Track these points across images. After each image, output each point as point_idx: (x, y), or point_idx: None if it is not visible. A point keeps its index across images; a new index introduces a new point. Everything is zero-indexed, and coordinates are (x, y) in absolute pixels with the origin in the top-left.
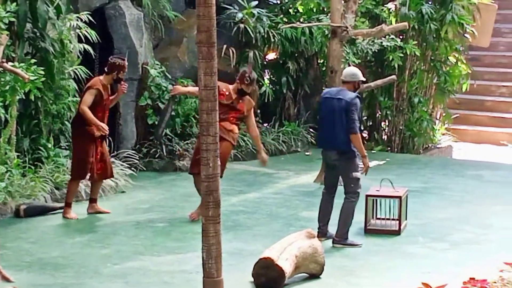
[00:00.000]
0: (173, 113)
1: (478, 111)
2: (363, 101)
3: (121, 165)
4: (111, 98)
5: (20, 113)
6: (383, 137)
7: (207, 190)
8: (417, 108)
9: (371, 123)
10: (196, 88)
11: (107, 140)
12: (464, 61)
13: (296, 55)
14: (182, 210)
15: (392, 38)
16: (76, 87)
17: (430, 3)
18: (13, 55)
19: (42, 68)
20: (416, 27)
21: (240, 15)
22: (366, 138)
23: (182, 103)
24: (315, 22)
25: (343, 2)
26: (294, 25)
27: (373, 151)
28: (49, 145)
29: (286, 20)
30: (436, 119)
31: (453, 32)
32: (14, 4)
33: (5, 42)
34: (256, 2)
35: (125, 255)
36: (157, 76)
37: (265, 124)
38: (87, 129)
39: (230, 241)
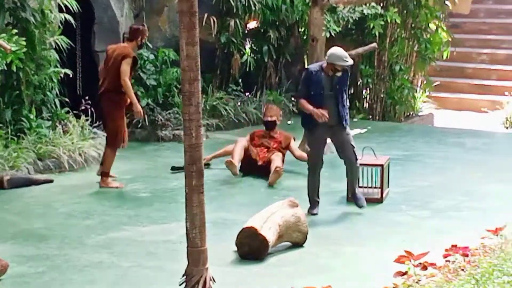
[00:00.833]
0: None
1: (459, 78)
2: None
3: (103, 135)
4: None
5: (1, 84)
6: (364, 105)
7: (190, 160)
8: (398, 76)
9: (352, 92)
10: (225, 149)
11: (90, 110)
12: (445, 28)
13: (277, 23)
14: (165, 180)
15: (373, 6)
16: (58, 58)
17: None
18: None
19: (23, 38)
20: None
21: None
22: (348, 106)
23: (164, 73)
24: None
25: None
26: None
27: (354, 119)
28: (31, 116)
29: None
30: (417, 86)
31: None
32: None
33: None
34: None
35: (109, 225)
36: None
37: (247, 93)
38: (122, 98)
39: (213, 210)
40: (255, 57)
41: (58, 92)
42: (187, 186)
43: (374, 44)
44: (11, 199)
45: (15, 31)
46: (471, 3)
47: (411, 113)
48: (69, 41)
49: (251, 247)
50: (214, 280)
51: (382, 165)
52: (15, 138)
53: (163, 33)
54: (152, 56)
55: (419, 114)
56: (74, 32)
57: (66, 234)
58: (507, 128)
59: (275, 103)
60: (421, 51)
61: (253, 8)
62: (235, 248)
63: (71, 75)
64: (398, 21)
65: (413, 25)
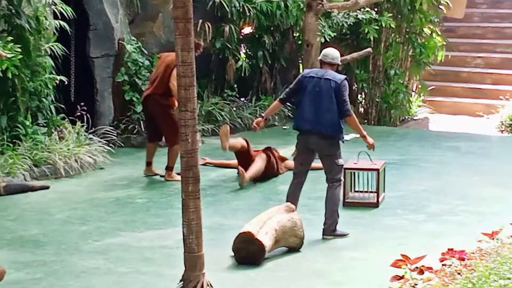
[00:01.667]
0: None
1: (453, 82)
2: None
3: (99, 141)
4: None
5: None
6: (359, 110)
7: (186, 166)
8: (393, 80)
9: None
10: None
11: (86, 116)
12: (439, 33)
13: (272, 29)
14: (161, 185)
15: (367, 11)
16: (53, 64)
17: None
18: None
19: (18, 45)
20: None
21: None
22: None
23: None
24: None
25: None
26: None
27: None
28: (27, 123)
29: None
30: (412, 91)
31: (427, 4)
32: None
33: None
34: None
35: (105, 231)
36: (134, 52)
37: (242, 99)
38: (170, 100)
39: (210, 216)
40: (250, 63)
41: (53, 99)
42: (183, 191)
43: (369, 49)
44: (7, 206)
45: (10, 38)
46: (465, 7)
47: (406, 117)
48: (64, 48)
49: (248, 252)
50: (211, 286)
51: (377, 170)
52: (11, 145)
53: (158, 38)
54: (147, 62)
55: (414, 118)
56: (69, 39)
57: (62, 240)
58: (502, 132)
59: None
60: (415, 55)
61: (247, 14)
62: (232, 253)
63: (66, 82)
64: (393, 25)
65: (407, 30)
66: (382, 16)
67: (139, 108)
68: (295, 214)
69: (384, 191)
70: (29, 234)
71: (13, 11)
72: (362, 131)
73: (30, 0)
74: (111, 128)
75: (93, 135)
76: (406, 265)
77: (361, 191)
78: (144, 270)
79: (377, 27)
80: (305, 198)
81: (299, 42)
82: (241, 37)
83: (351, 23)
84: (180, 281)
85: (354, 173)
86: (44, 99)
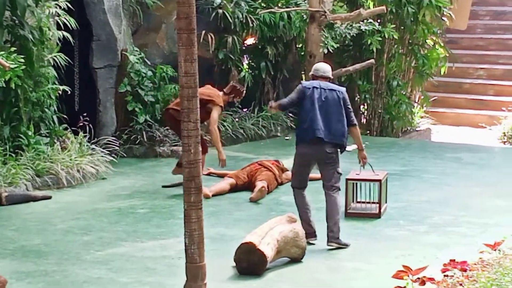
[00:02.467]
0: (152, 99)
1: (456, 93)
2: None
3: (102, 151)
4: None
5: (0, 101)
6: (362, 121)
7: (188, 176)
8: (395, 91)
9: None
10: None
11: (88, 127)
12: (442, 44)
13: (275, 40)
14: (163, 196)
15: (370, 22)
16: (56, 75)
17: None
18: None
19: (21, 56)
20: (394, 10)
21: (218, 0)
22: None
23: (162, 89)
24: (293, 6)
25: None
26: (272, 10)
27: None
28: (30, 133)
29: (264, 5)
30: (415, 102)
31: (430, 15)
32: None
33: None
34: None
35: (107, 241)
36: (137, 63)
37: (245, 109)
38: None
39: (212, 226)
40: (252, 73)
41: (56, 109)
42: (185, 202)
43: (372, 60)
44: (9, 216)
45: (13, 48)
46: (468, 19)
47: (408, 128)
48: (67, 58)
49: (250, 263)
50: None
51: (380, 180)
52: (13, 155)
53: (161, 49)
54: (150, 73)
55: (417, 129)
56: (72, 49)
57: (64, 250)
58: (504, 143)
59: (273, 119)
60: (418, 66)
61: (250, 25)
62: (234, 264)
63: (69, 92)
64: (396, 37)
65: (410, 41)
66: (385, 27)
67: (141, 119)
68: (297, 225)
69: (386, 202)
70: (31, 244)
71: (17, 21)
72: (362, 143)
73: (33, 11)
74: (114, 138)
75: (96, 145)
76: (408, 276)
77: (363, 202)
78: (146, 280)
79: (380, 38)
80: None
81: (302, 53)
82: (244, 48)
83: (354, 34)
84: None
85: (356, 183)
86: (46, 109)
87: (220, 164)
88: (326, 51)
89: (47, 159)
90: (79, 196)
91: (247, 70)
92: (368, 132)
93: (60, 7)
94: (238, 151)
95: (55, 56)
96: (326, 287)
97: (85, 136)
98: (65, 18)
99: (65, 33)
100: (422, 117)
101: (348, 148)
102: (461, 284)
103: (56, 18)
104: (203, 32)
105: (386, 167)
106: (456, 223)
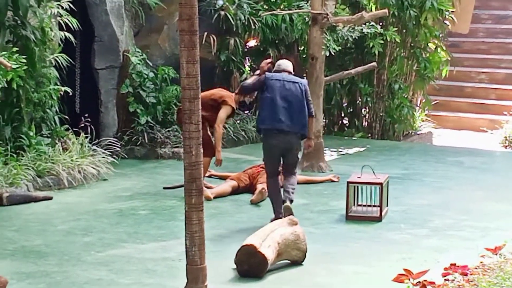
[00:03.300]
0: (154, 100)
1: (458, 97)
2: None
3: (103, 153)
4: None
5: (1, 101)
6: (363, 124)
7: (189, 178)
8: (397, 94)
9: (351, 110)
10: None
11: (90, 128)
12: (444, 48)
13: (277, 42)
14: (164, 197)
15: (372, 25)
16: (57, 75)
17: None
18: None
19: (23, 56)
20: (396, 13)
21: (220, 2)
22: (347, 124)
23: (163, 91)
24: (295, 9)
25: None
26: (274, 12)
27: (353, 138)
28: (31, 133)
29: (267, 7)
30: (416, 105)
31: (432, 19)
32: None
33: None
34: None
35: (108, 242)
36: (138, 64)
37: (246, 111)
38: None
39: (212, 228)
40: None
41: (57, 110)
42: (186, 204)
43: (374, 63)
44: (10, 216)
45: (15, 48)
46: (470, 22)
47: (410, 131)
48: (69, 59)
49: (250, 265)
50: None
51: (381, 184)
52: (15, 155)
53: (163, 51)
54: (151, 74)
55: (418, 132)
56: (74, 50)
57: (65, 251)
58: (505, 147)
59: None
60: (420, 70)
61: (253, 27)
62: (234, 266)
63: (70, 93)
64: (398, 40)
65: (412, 44)
66: (387, 30)
67: (143, 120)
68: (298, 228)
69: (387, 205)
70: (31, 244)
71: (19, 22)
72: (312, 134)
73: (35, 11)
74: (115, 139)
75: (97, 146)
76: (409, 279)
77: (364, 205)
78: (147, 282)
79: (382, 42)
80: (307, 212)
81: (304, 56)
82: (246, 50)
83: (356, 37)
84: None
85: (358, 187)
86: (48, 110)
87: (216, 164)
88: (328, 53)
89: (48, 159)
90: (80, 197)
91: (249, 72)
92: (369, 135)
93: (62, 7)
94: (240, 153)
95: (57, 57)
96: None
97: (86, 137)
98: (67, 19)
99: (67, 34)
100: (423, 121)
101: (350, 151)
102: None
103: (58, 18)
104: (205, 33)
105: (387, 171)
106: (457, 227)
